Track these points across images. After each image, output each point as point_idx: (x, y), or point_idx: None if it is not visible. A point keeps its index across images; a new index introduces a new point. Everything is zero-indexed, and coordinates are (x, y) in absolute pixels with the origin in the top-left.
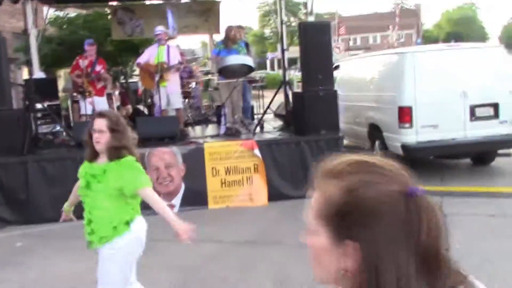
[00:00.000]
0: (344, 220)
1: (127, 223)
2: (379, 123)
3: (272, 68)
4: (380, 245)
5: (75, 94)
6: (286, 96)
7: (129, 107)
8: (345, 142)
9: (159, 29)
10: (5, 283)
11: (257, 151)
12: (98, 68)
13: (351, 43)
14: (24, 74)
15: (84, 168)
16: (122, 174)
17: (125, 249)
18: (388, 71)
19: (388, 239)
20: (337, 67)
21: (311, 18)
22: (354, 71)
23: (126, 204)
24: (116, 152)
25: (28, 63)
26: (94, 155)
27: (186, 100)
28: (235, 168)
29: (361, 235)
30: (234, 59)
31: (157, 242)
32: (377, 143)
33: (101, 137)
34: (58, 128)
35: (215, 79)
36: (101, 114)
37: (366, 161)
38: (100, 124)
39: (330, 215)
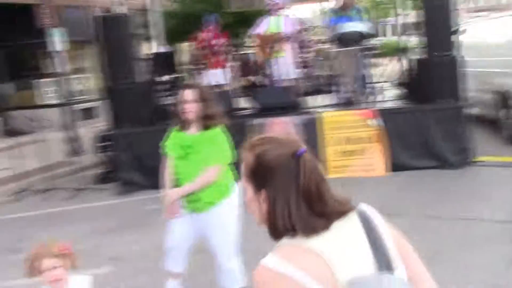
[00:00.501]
0: (257, 176)
1: (229, 186)
2: (508, 90)
3: (391, 35)
4: (278, 190)
5: (196, 66)
6: (406, 63)
7: (247, 78)
8: (471, 111)
9: None
10: (135, 243)
11: (376, 120)
12: (219, 41)
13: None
14: (148, 49)
15: (174, 141)
16: (208, 145)
17: (233, 209)
18: None
19: (283, 185)
20: (462, 31)
21: None
22: (482, 35)
23: (226, 168)
24: (206, 120)
25: (150, 38)
26: (183, 126)
27: (303, 69)
28: (353, 138)
29: (267, 185)
30: (349, 26)
31: None
32: (504, 111)
33: (192, 107)
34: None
35: (332, 47)
36: (189, 86)
37: (270, 136)
38: (190, 95)
39: (250, 175)
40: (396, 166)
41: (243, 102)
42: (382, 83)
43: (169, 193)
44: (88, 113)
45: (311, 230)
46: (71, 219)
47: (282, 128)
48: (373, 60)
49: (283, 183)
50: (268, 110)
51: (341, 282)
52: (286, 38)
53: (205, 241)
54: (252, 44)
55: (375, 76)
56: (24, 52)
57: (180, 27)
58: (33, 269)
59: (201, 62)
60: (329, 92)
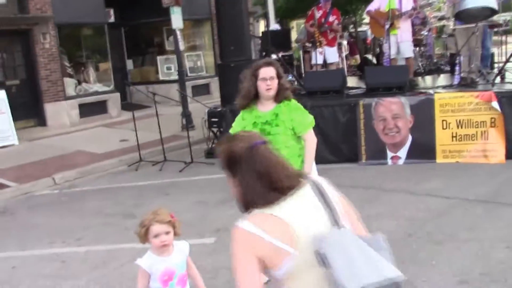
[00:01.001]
0: (230, 167)
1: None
2: None
3: None
4: (243, 174)
5: (307, 44)
6: None
7: (357, 57)
8: None
9: None
10: (239, 216)
11: (495, 104)
12: (332, 19)
13: None
14: (261, 27)
15: (248, 120)
16: (292, 115)
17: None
18: None
19: (245, 170)
20: None
21: None
22: None
23: (301, 139)
24: (284, 93)
25: (265, 16)
26: (251, 103)
27: (418, 48)
28: (468, 121)
29: (237, 173)
30: (474, 1)
31: (384, 192)
32: None
33: (273, 83)
34: (290, 77)
35: (450, 24)
36: (268, 63)
37: (235, 134)
38: (271, 72)
39: (225, 166)
40: None
41: (353, 81)
42: (507, 63)
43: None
44: (202, 89)
45: (268, 202)
46: (180, 190)
47: (392, 108)
48: (499, 38)
49: (245, 169)
50: (380, 90)
51: (301, 238)
52: (403, 15)
53: None
54: (367, 21)
55: (500, 55)
56: (146, 30)
57: (294, 5)
58: (145, 235)
59: (313, 40)
60: (447, 72)
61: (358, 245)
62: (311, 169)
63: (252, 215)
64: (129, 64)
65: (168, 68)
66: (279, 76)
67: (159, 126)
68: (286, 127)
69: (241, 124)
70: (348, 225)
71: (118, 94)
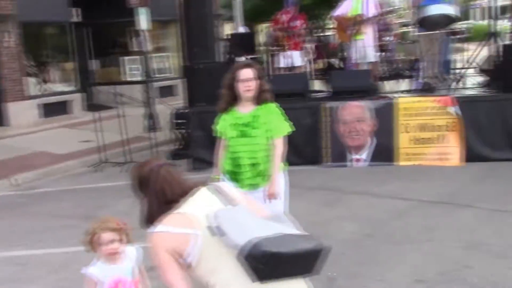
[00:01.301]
0: (141, 188)
1: (285, 162)
2: None
3: (480, 18)
4: (148, 193)
5: (273, 47)
6: (494, 48)
7: (323, 61)
8: None
9: None
10: None
11: (454, 108)
12: (298, 23)
13: None
14: (228, 29)
15: (228, 121)
16: (270, 118)
17: (283, 182)
18: None
19: (150, 189)
20: None
21: None
22: None
23: None
24: (264, 95)
25: (232, 19)
26: (231, 105)
27: (381, 53)
28: (428, 125)
29: (145, 192)
30: (436, 9)
31: (345, 194)
32: None
33: (252, 84)
34: None
35: (412, 31)
36: (247, 65)
37: (142, 161)
38: (250, 73)
39: (136, 188)
40: (472, 157)
41: (319, 85)
42: (466, 70)
43: (276, 187)
44: (168, 91)
45: (164, 214)
46: None
47: (355, 111)
48: (458, 45)
49: (149, 189)
50: (343, 94)
51: (201, 221)
52: (367, 21)
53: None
54: (332, 26)
55: (459, 62)
56: (111, 30)
57: (261, 8)
58: (91, 242)
59: (278, 44)
60: (408, 77)
61: (250, 215)
62: (277, 174)
63: (160, 221)
64: (94, 64)
65: (134, 69)
66: (258, 78)
67: (123, 127)
68: (264, 130)
69: (221, 125)
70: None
71: (81, 95)
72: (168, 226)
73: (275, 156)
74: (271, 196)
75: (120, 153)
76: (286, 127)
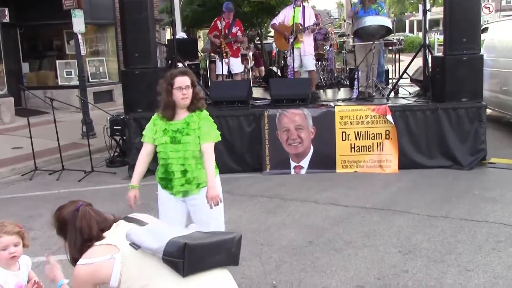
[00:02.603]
0: (61, 230)
1: (216, 167)
2: None
3: (412, 31)
4: (70, 234)
5: (212, 54)
6: (425, 60)
7: (262, 68)
8: (488, 111)
9: None
10: None
11: (390, 117)
12: (235, 29)
13: (503, 2)
14: (168, 35)
15: (161, 127)
16: (200, 124)
17: (220, 187)
18: None
19: (70, 230)
20: (485, 29)
21: None
22: (505, 34)
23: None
24: (198, 103)
25: (171, 24)
26: (173, 112)
27: (320, 62)
28: (365, 133)
29: (66, 234)
30: (372, 20)
31: (286, 201)
32: None
33: (189, 92)
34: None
35: (349, 41)
36: (184, 72)
37: (61, 205)
38: (186, 81)
39: (58, 231)
40: (407, 164)
41: (258, 92)
42: (400, 79)
43: (213, 193)
44: (105, 96)
45: (86, 251)
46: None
47: (296, 119)
48: (393, 56)
49: (70, 229)
50: (284, 101)
51: (119, 245)
52: (306, 29)
53: (199, 223)
54: (272, 34)
55: (394, 72)
56: (46, 32)
57: (201, 14)
58: None
59: (220, 50)
60: (346, 86)
61: (161, 227)
62: (213, 178)
63: (83, 256)
64: (25, 67)
65: (68, 73)
66: (193, 85)
67: (57, 133)
68: (196, 136)
69: (152, 130)
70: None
71: (11, 99)
72: (88, 259)
73: (207, 160)
74: (212, 199)
75: (54, 160)
76: (216, 135)
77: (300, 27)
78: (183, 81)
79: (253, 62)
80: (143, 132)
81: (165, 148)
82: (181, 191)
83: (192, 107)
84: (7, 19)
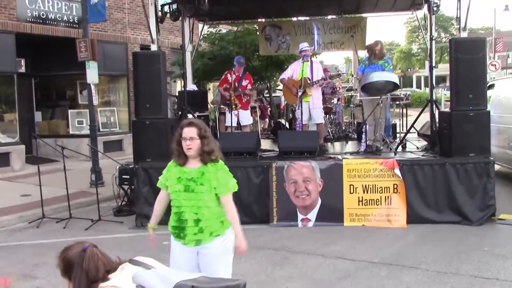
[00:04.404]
0: (67, 271)
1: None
2: None
3: (419, 86)
4: (75, 275)
5: (222, 106)
6: (432, 115)
7: (267, 120)
8: (497, 167)
9: (305, 45)
10: None
11: (397, 171)
12: (245, 83)
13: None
14: (178, 86)
15: (176, 174)
16: (217, 175)
17: (232, 241)
18: None
19: (76, 271)
20: (491, 86)
21: (464, 34)
22: (511, 91)
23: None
24: (208, 156)
25: (182, 76)
26: (185, 161)
27: (328, 115)
28: (373, 187)
29: (71, 275)
30: (379, 76)
31: (293, 254)
32: None
33: (193, 144)
34: None
35: (357, 95)
36: (190, 123)
37: (67, 246)
38: (191, 132)
39: (63, 273)
40: (415, 219)
41: (268, 144)
42: (408, 134)
43: (242, 244)
44: (114, 145)
45: None
46: None
47: (303, 171)
48: (400, 110)
49: (76, 270)
50: (291, 153)
51: (128, 287)
52: (314, 84)
53: (209, 272)
54: (280, 88)
55: (401, 126)
56: (59, 82)
57: (211, 67)
58: None
59: (230, 102)
60: (354, 139)
61: (168, 271)
62: (241, 232)
63: None
64: (38, 116)
65: (80, 122)
66: (201, 137)
67: (66, 181)
68: (210, 186)
69: (165, 176)
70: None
71: (23, 147)
72: None
73: (230, 212)
74: (242, 251)
75: (62, 208)
76: (233, 185)
77: (309, 81)
78: (188, 132)
79: (263, 114)
80: (159, 177)
81: (178, 196)
82: (194, 240)
83: (203, 159)
84: (23, 69)
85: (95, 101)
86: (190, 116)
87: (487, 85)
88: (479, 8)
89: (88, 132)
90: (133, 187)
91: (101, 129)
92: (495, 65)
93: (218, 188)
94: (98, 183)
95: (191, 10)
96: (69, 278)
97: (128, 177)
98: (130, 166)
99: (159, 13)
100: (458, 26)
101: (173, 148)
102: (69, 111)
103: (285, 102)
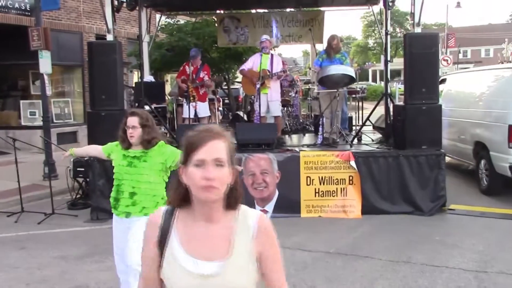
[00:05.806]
0: (231, 156)
1: (164, 199)
2: (486, 142)
3: (374, 80)
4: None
5: (180, 98)
6: (387, 108)
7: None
8: (447, 159)
9: (264, 37)
10: (101, 272)
11: (353, 163)
12: (202, 74)
13: (460, 56)
14: (135, 77)
15: (121, 152)
16: (163, 151)
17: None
18: (500, 87)
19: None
20: (443, 80)
21: (418, 29)
22: (462, 86)
23: (164, 181)
24: (148, 144)
25: (139, 67)
26: (128, 146)
27: (285, 108)
28: (329, 179)
29: (234, 162)
30: (336, 69)
31: None
32: (482, 162)
33: (134, 132)
34: (163, 129)
35: (315, 88)
36: (133, 113)
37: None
38: (133, 121)
39: (229, 155)
40: (370, 210)
41: None
42: (363, 127)
43: None
44: (69, 137)
45: None
46: (38, 244)
47: (261, 164)
48: (356, 103)
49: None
50: (249, 146)
51: None
52: (273, 76)
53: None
54: (238, 80)
55: (357, 119)
56: (11, 72)
57: (169, 58)
58: None
59: (188, 94)
60: (311, 131)
61: None
62: None
63: None
64: None
65: (32, 113)
66: (143, 126)
67: (17, 174)
68: (155, 162)
69: (112, 148)
70: None
71: None
72: None
73: None
74: None
75: (13, 202)
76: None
77: (268, 73)
78: (130, 121)
79: (220, 106)
80: (107, 144)
81: (121, 170)
82: (124, 212)
83: (145, 146)
84: None
85: (48, 92)
86: (147, 107)
87: (439, 80)
88: (432, 5)
89: (41, 123)
90: (88, 179)
91: (54, 121)
92: (447, 60)
93: (168, 159)
94: (52, 176)
95: (148, 0)
96: (231, 164)
97: (83, 169)
98: (85, 159)
99: (115, 2)
100: (412, 22)
101: (118, 135)
102: (21, 101)
103: (244, 94)
